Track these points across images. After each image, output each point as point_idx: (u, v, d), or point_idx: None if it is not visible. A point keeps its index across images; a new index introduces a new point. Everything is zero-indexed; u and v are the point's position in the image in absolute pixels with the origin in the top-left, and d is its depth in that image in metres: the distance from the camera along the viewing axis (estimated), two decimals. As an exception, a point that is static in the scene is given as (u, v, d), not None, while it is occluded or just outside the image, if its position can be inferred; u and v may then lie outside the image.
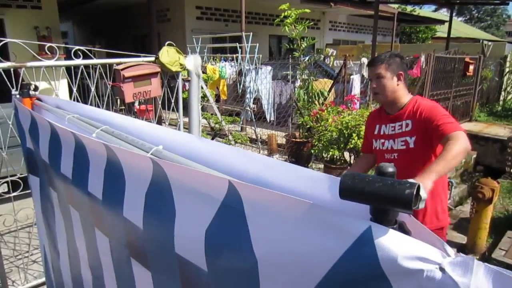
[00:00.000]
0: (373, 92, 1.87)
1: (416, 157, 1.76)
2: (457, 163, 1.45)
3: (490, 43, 10.39)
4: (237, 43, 5.78)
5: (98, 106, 2.65)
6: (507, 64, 9.97)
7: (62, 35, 12.75)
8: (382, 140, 1.88)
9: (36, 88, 1.77)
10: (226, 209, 0.60)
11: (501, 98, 10.12)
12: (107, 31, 12.77)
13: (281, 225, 0.53)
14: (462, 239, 3.63)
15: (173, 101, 2.84)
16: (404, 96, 1.84)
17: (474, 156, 6.48)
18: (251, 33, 5.98)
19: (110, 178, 0.94)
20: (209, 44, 7.79)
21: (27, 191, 2.22)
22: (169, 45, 2.72)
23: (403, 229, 0.50)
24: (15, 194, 2.43)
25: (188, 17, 9.57)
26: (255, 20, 11.17)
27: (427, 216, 1.81)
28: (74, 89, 2.46)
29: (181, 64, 2.74)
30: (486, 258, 3.31)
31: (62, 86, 4.63)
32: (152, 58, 2.70)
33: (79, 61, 2.34)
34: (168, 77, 2.88)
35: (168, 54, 2.70)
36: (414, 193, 0.40)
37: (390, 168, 0.44)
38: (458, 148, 1.46)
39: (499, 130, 7.50)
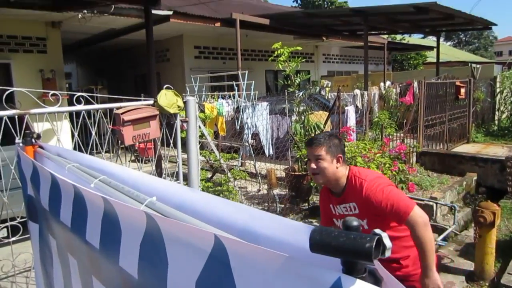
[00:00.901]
0: (312, 173, 1.85)
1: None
2: (434, 244, 1.65)
3: (478, 66, 10.68)
4: (234, 81, 5.95)
5: (98, 147, 2.71)
6: (497, 84, 10.21)
7: (66, 76, 13.08)
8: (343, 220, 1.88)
9: (38, 137, 1.84)
10: (214, 261, 0.64)
11: (496, 117, 10.28)
12: (109, 70, 13.16)
13: (263, 276, 0.57)
14: (470, 265, 3.55)
15: (171, 141, 2.91)
16: (344, 176, 1.84)
17: (475, 178, 6.45)
18: (247, 71, 6.17)
19: (107, 228, 0.98)
20: (207, 83, 8.02)
21: (26, 236, 2.23)
22: (167, 88, 2.83)
23: (374, 276, 0.54)
24: (14, 239, 2.43)
25: (187, 57, 9.90)
26: (251, 57, 11.52)
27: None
28: (76, 134, 2.54)
29: (178, 106, 2.83)
30: (496, 284, 3.25)
31: (64, 126, 4.74)
32: (151, 102, 2.79)
33: (81, 107, 2.43)
34: (168, 115, 2.96)
35: (166, 97, 2.80)
36: (373, 246, 0.44)
37: (355, 222, 0.49)
38: (428, 233, 1.64)
39: (497, 150, 7.51)
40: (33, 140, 1.81)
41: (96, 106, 2.52)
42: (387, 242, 0.49)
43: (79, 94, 2.41)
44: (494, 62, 19.37)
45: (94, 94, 2.67)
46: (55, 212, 1.37)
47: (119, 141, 3.52)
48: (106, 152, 2.95)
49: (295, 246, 0.61)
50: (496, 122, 10.18)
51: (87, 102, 2.52)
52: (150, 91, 4.83)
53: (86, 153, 2.57)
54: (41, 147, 1.80)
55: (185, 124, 2.87)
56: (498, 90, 10.23)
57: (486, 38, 50.86)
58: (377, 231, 0.50)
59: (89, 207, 1.09)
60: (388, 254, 0.49)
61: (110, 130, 2.61)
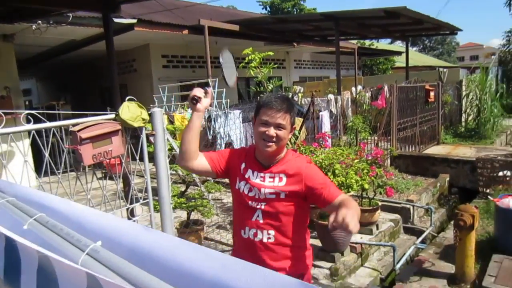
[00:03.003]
0: (268, 141, 1.60)
1: (285, 209, 1.63)
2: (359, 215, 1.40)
3: (445, 70, 11.01)
4: (204, 90, 5.74)
5: (54, 167, 2.43)
6: (463, 88, 10.57)
7: (25, 93, 12.39)
8: (249, 186, 1.67)
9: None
10: None
11: (463, 119, 10.62)
12: (72, 85, 12.60)
13: None
14: (450, 268, 3.57)
15: (137, 157, 2.68)
16: (284, 149, 1.70)
17: (448, 179, 6.58)
18: (217, 79, 6.00)
19: (43, 284, 0.78)
20: (176, 92, 7.76)
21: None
22: (130, 100, 2.60)
23: None
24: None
25: (154, 67, 9.59)
26: (221, 64, 11.36)
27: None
28: (25, 158, 2.25)
29: (143, 119, 2.62)
30: (477, 286, 3.23)
31: (25, 146, 4.36)
32: (112, 116, 2.56)
33: (29, 126, 2.16)
34: (133, 129, 2.73)
35: (129, 110, 2.58)
36: None
37: None
38: (356, 204, 1.48)
39: (466, 151, 7.73)
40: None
41: (46, 124, 2.23)
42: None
43: (26, 112, 2.14)
44: (459, 66, 20.19)
45: (55, 111, 2.40)
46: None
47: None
48: (71, 171, 2.68)
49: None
50: (463, 124, 10.52)
51: (49, 119, 2.24)
52: (114, 105, 4.54)
53: (46, 175, 2.30)
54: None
55: (151, 138, 2.66)
56: (464, 93, 10.59)
57: (449, 44, 53.20)
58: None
59: (23, 257, 0.88)
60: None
61: (66, 150, 2.35)
